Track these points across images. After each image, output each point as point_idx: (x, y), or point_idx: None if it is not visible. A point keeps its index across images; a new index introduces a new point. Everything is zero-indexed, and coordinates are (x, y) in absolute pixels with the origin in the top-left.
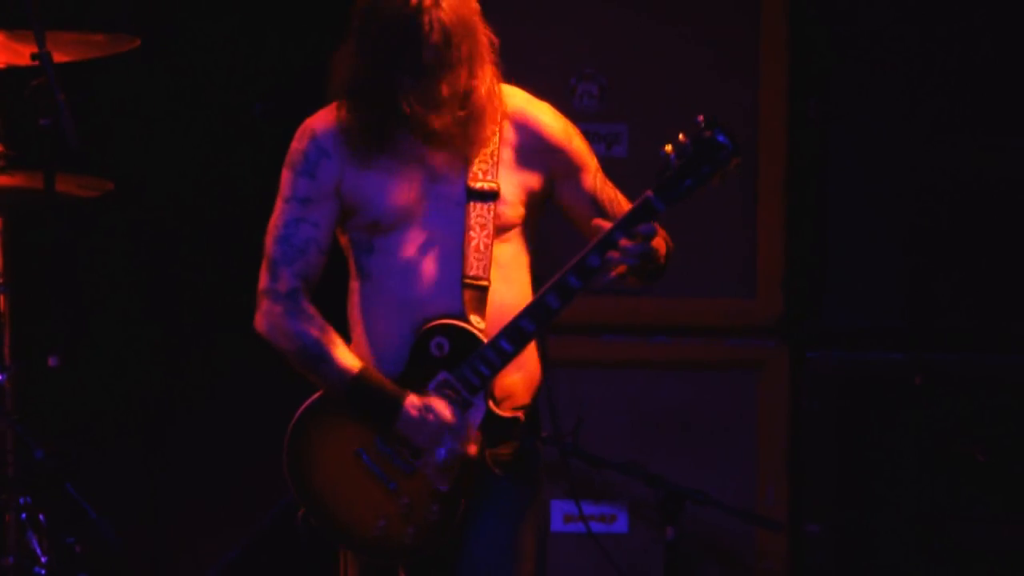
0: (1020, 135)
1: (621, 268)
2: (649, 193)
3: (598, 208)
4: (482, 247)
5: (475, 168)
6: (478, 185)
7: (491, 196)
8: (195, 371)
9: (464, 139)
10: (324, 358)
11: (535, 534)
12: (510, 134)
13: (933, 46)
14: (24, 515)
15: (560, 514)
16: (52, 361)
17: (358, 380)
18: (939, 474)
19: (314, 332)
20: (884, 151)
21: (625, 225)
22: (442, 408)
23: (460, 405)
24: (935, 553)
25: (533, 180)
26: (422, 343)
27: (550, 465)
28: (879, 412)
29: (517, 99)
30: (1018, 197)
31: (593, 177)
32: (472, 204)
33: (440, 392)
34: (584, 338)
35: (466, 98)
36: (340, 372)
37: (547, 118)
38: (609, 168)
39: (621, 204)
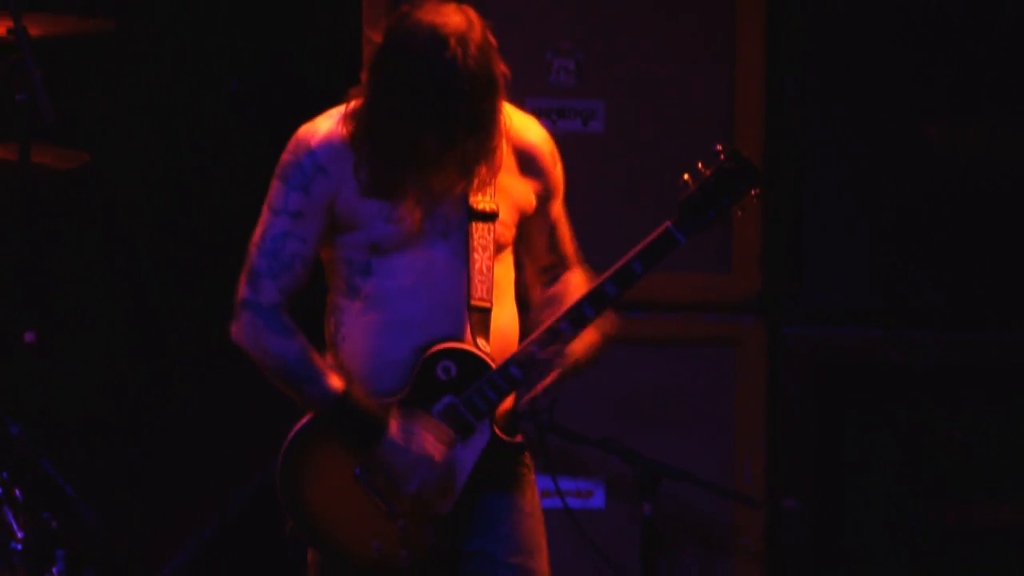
0: (993, 113)
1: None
2: (669, 224)
3: (552, 238)
4: (484, 269)
5: (475, 188)
6: (480, 206)
7: (491, 217)
8: (172, 347)
9: (472, 174)
10: (308, 378)
11: (538, 525)
12: (507, 155)
13: (911, 25)
14: (0, 490)
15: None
16: (28, 336)
17: (343, 401)
18: (915, 451)
19: (297, 350)
20: (861, 128)
21: (644, 255)
22: (425, 438)
23: (461, 431)
24: (910, 530)
25: (526, 200)
26: (428, 366)
27: (527, 441)
28: (856, 388)
29: (514, 119)
30: (993, 174)
31: (560, 205)
32: (474, 225)
33: (443, 417)
34: None
35: (483, 141)
36: (324, 392)
37: (541, 140)
38: (586, 144)
39: (566, 242)
